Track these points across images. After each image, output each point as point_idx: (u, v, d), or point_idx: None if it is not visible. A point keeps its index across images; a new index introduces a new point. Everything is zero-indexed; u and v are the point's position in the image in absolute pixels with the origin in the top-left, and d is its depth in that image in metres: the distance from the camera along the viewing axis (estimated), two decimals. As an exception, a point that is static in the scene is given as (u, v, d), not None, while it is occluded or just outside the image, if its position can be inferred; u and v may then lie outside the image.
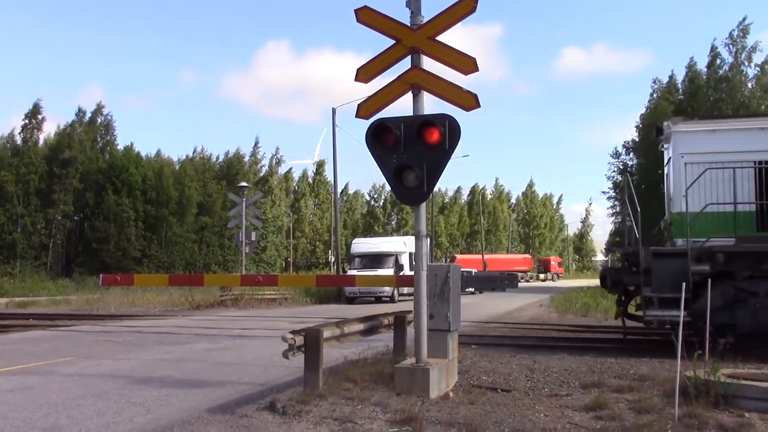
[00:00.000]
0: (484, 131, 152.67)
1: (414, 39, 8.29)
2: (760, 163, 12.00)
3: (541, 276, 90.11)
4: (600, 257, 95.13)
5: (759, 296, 11.15)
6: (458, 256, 79.94)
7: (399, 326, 10.24)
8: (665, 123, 13.51)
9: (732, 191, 11.63)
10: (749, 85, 42.92)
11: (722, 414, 6.88)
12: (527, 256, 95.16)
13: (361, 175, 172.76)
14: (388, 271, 31.49)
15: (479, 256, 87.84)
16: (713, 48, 44.38)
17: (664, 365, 10.10)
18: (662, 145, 14.16)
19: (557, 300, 30.14)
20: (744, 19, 44.28)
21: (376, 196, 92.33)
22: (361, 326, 9.58)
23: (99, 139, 61.01)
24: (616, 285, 12.65)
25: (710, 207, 11.66)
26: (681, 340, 7.19)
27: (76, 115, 59.04)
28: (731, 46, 43.51)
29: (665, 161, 14.04)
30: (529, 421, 6.70)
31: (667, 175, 13.85)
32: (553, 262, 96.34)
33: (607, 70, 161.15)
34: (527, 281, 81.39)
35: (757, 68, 43.20)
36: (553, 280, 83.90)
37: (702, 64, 45.69)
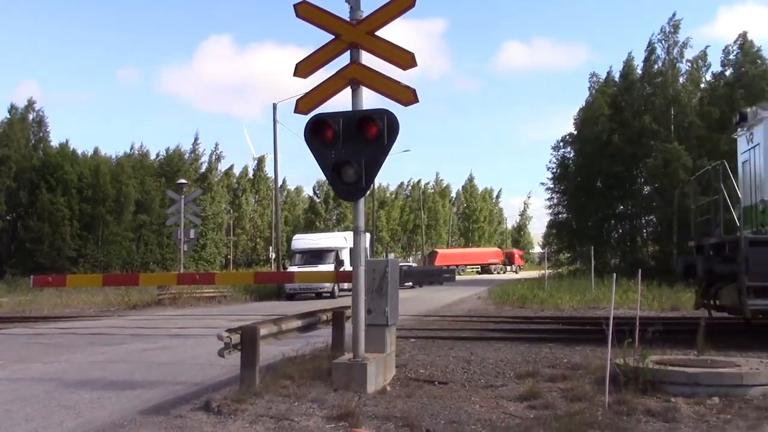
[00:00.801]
0: (426, 126, 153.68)
1: (353, 34, 8.30)
2: None
3: (508, 268, 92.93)
4: (537, 249, 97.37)
5: None
6: (441, 251, 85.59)
7: (337, 322, 10.24)
8: (750, 109, 13.47)
9: None
10: (681, 80, 44.20)
11: (650, 399, 7.10)
12: (498, 249, 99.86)
13: (303, 170, 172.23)
14: (329, 267, 31.44)
15: (464, 250, 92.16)
16: (650, 43, 45.60)
17: (596, 353, 10.34)
18: (738, 132, 14.17)
19: (495, 292, 30.55)
20: (674, 14, 45.71)
21: (319, 191, 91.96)
22: (299, 323, 9.56)
23: (32, 137, 59.19)
24: (707, 275, 12.63)
25: None
26: (612, 328, 7.37)
27: (8, 112, 57.16)
28: (664, 42, 44.77)
29: (744, 148, 13.95)
30: (464, 413, 6.79)
31: (746, 162, 13.79)
32: (516, 255, 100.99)
33: (547, 64, 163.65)
34: (498, 273, 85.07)
35: (689, 63, 44.56)
36: (516, 272, 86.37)
37: (639, 59, 46.86)
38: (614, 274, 8.80)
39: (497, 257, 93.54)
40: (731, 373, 7.60)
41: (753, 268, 11.24)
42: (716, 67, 44.40)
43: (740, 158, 14.09)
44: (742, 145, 14.04)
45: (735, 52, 43.08)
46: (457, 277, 67.73)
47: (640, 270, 11.37)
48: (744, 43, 42.92)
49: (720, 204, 12.63)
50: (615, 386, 7.29)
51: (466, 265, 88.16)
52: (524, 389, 7.78)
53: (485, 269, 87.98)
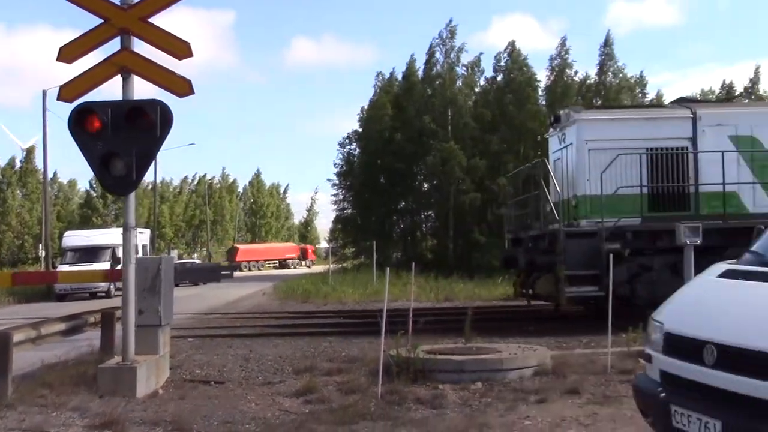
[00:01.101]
0: (213, 119, 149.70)
1: (124, 19, 7.83)
2: (650, 149, 13.22)
3: (303, 263, 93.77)
4: (324, 244, 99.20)
5: (654, 270, 12.28)
6: (241, 246, 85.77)
7: (107, 324, 9.67)
8: (564, 111, 14.29)
9: (627, 175, 12.83)
10: (458, 83, 46.74)
11: (420, 388, 7.42)
12: (295, 245, 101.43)
13: (79, 163, 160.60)
14: (104, 265, 29.60)
15: (264, 245, 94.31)
16: (431, 47, 47.60)
17: (373, 345, 10.53)
18: (550, 132, 14.94)
19: (280, 288, 30.53)
20: (450, 21, 48.05)
21: (96, 185, 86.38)
22: (62, 326, 8.90)
23: None
24: (528, 266, 13.29)
25: (612, 190, 12.56)
26: (385, 320, 7.60)
27: None
28: (442, 46, 47.06)
29: (556, 147, 14.69)
30: (239, 412, 6.67)
31: (558, 160, 14.55)
32: (310, 251, 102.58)
33: (335, 61, 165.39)
34: (294, 267, 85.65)
35: (465, 68, 47.27)
36: (309, 267, 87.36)
37: (421, 62, 48.79)
38: (387, 268, 9.10)
39: (294, 252, 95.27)
40: (493, 359, 8.17)
41: (569, 258, 12.34)
42: (489, 73, 47.50)
43: (552, 157, 15.30)
44: (553, 144, 15.27)
45: (505, 59, 46.36)
46: (256, 273, 67.18)
47: (414, 263, 11.95)
48: (512, 51, 46.31)
49: (541, 198, 13.69)
50: (389, 377, 7.52)
51: (265, 261, 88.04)
52: (301, 384, 7.81)
53: (283, 264, 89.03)
